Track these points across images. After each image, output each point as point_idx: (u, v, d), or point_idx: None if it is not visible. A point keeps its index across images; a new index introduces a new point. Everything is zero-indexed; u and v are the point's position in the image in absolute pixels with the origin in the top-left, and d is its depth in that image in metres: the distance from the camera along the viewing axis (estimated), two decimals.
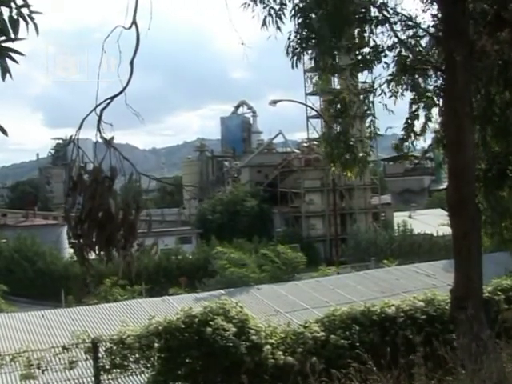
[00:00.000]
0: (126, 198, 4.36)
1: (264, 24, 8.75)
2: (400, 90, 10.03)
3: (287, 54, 9.07)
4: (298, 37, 8.99)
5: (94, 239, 4.21)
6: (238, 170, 74.26)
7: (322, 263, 38.15)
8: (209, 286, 26.18)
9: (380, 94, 9.95)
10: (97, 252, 4.26)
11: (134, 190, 4.47)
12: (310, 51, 9.29)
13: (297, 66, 9.10)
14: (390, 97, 9.96)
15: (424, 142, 11.02)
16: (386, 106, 9.84)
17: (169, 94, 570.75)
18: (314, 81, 11.10)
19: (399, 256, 35.92)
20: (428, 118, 10.38)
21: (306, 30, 8.93)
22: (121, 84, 4.50)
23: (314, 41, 8.93)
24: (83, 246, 4.19)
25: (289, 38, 9.05)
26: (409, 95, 10.28)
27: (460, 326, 7.99)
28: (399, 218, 54.40)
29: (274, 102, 41.30)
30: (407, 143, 10.55)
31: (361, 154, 10.36)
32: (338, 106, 10.38)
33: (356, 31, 9.51)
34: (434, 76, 10.16)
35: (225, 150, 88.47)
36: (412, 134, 10.43)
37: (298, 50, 9.03)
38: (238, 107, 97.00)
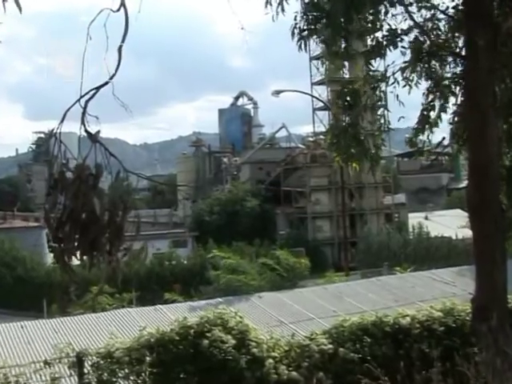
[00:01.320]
0: (112, 197, 4.33)
1: (267, 2, 8.63)
2: (415, 79, 9.98)
3: (293, 35, 8.98)
4: (306, 17, 8.89)
5: (76, 243, 4.19)
6: (237, 167, 74.37)
7: (330, 269, 38.17)
8: (205, 293, 26.17)
9: (393, 83, 9.91)
10: (79, 257, 4.23)
11: (121, 188, 4.44)
12: (318, 34, 9.21)
13: (305, 49, 9.02)
14: (404, 86, 9.91)
15: (444, 134, 10.97)
16: (397, 96, 9.80)
17: (162, 84, 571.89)
18: (323, 67, 11.03)
19: (414, 261, 35.88)
20: (443, 109, 10.31)
21: (314, 11, 8.85)
22: (108, 73, 4.46)
23: (323, 21, 8.82)
24: (64, 250, 4.16)
25: (295, 19, 8.97)
26: (424, 84, 10.24)
27: (482, 339, 7.94)
28: (414, 219, 54.36)
29: (277, 93, 41.41)
30: (422, 137, 10.50)
31: (372, 150, 10.31)
32: (347, 96, 10.33)
33: (369, 13, 9.44)
34: (452, 63, 10.11)
35: (223, 145, 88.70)
36: (427, 127, 10.37)
37: (305, 32, 8.94)
38: (237, 98, 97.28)
